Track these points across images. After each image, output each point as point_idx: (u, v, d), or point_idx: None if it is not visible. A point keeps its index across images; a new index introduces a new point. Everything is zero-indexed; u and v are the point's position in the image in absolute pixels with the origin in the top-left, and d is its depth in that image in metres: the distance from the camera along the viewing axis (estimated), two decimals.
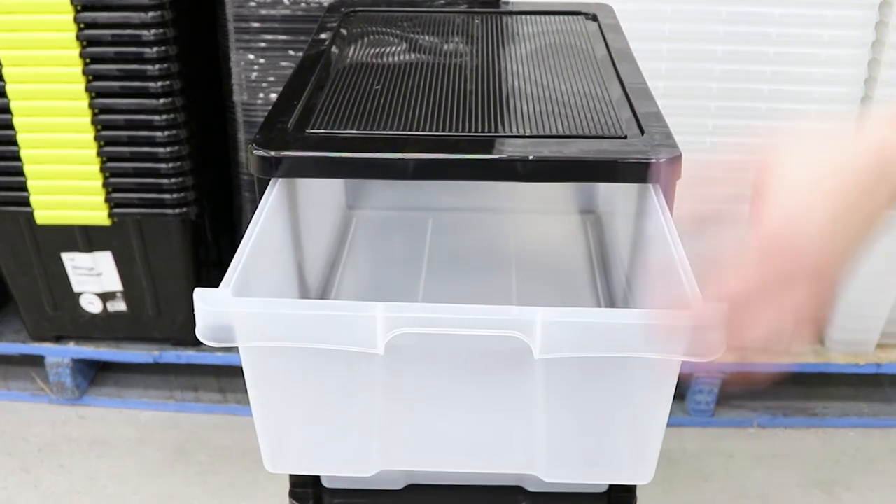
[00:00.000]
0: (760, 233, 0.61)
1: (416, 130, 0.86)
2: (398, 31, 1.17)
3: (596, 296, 1.09)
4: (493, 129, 0.87)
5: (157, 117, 1.57)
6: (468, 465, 0.87)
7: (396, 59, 1.07)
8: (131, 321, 1.82)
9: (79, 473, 1.70)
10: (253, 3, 1.58)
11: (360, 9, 1.27)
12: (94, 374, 1.93)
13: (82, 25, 1.51)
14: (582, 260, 1.19)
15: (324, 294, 1.09)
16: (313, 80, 0.99)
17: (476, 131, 0.86)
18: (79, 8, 1.50)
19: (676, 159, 0.82)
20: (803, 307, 0.62)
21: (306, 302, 0.91)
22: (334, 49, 1.10)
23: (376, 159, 0.82)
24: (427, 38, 1.15)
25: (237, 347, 0.71)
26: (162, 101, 1.56)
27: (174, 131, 1.59)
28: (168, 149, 1.60)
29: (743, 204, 0.68)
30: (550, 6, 1.29)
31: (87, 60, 1.54)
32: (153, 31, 1.51)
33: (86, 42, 1.52)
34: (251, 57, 1.61)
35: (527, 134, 0.86)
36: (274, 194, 0.84)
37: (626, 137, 0.85)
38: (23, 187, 1.64)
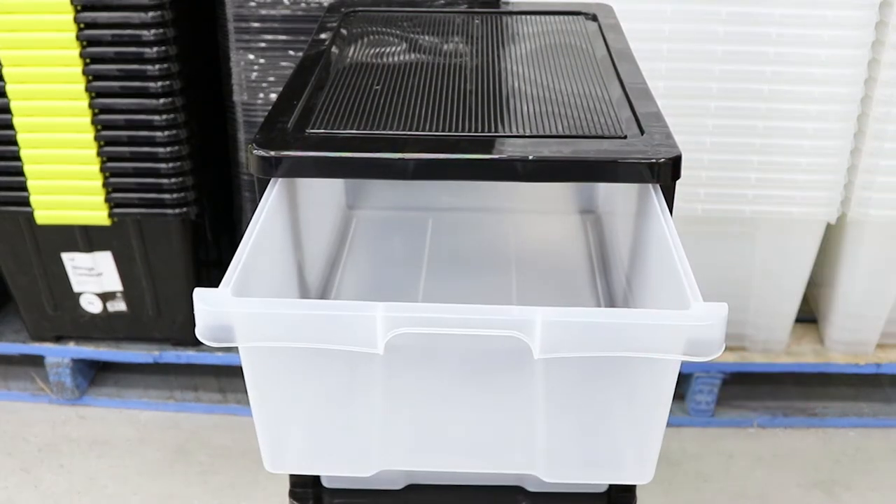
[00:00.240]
0: None
1: (416, 130, 0.86)
2: (398, 31, 1.17)
3: (596, 296, 1.09)
4: (493, 129, 0.87)
5: (157, 117, 1.57)
6: (468, 465, 0.87)
7: (396, 59, 1.07)
8: (131, 321, 1.82)
9: (79, 473, 1.70)
10: (253, 3, 1.58)
11: (360, 9, 1.27)
12: (94, 374, 1.93)
13: (82, 25, 1.51)
14: (582, 260, 1.19)
15: (324, 294, 1.09)
16: (313, 80, 0.99)
17: (476, 131, 0.86)
18: (79, 8, 1.50)
19: (676, 159, 0.82)
20: None
21: (306, 302, 0.91)
22: (334, 49, 1.10)
23: (376, 159, 0.82)
24: (427, 38, 1.15)
25: (237, 347, 0.71)
26: (162, 101, 1.56)
27: (174, 131, 1.59)
28: (168, 149, 1.60)
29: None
30: (550, 6, 1.29)
31: (87, 60, 1.54)
32: (153, 31, 1.51)
33: (86, 42, 1.52)
34: (251, 57, 1.61)
35: (527, 134, 0.86)
36: (274, 194, 0.84)
37: (626, 137, 0.85)
38: (23, 187, 1.64)
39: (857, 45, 1.49)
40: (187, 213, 1.66)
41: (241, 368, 0.75)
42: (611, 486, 0.97)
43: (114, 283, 1.76)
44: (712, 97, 1.54)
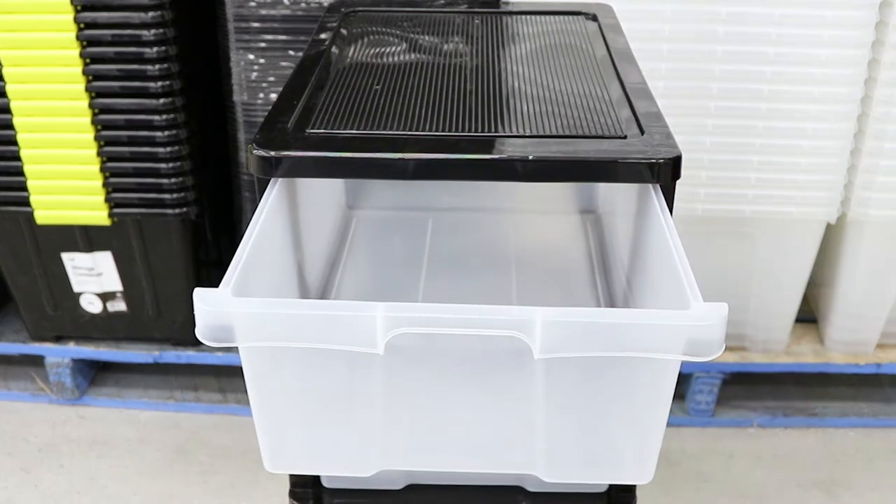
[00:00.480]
0: None
1: (416, 130, 0.86)
2: (398, 31, 1.17)
3: (596, 296, 1.09)
4: (493, 129, 0.87)
5: (157, 117, 1.57)
6: (468, 465, 0.87)
7: (396, 59, 1.07)
8: (131, 321, 1.82)
9: (79, 473, 1.70)
10: (253, 3, 1.58)
11: (360, 9, 1.27)
12: (94, 374, 1.93)
13: (82, 25, 1.51)
14: (582, 260, 1.19)
15: (324, 294, 1.09)
16: (313, 80, 0.99)
17: (476, 131, 0.86)
18: (79, 8, 1.50)
19: (676, 159, 0.82)
20: None
21: (306, 302, 0.91)
22: (334, 49, 1.10)
23: (376, 159, 0.82)
24: (427, 38, 1.15)
25: (237, 347, 0.71)
26: (162, 101, 1.56)
27: (174, 131, 1.59)
28: (168, 149, 1.60)
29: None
30: (550, 6, 1.29)
31: (87, 60, 1.54)
32: (153, 31, 1.51)
33: (86, 42, 1.52)
34: (251, 57, 1.61)
35: (527, 134, 0.86)
36: (274, 194, 0.84)
37: (626, 137, 0.85)
38: (23, 187, 1.64)
39: (857, 45, 1.49)
40: (187, 213, 1.66)
41: (241, 368, 0.75)
42: (611, 486, 0.97)
43: (114, 283, 1.76)
44: (712, 97, 1.54)
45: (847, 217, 1.64)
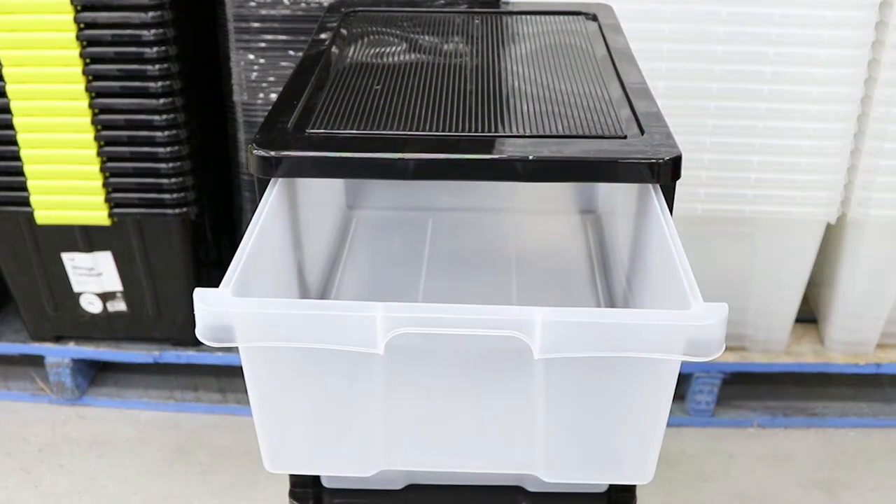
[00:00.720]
0: None
1: (416, 130, 0.86)
2: (398, 31, 1.17)
3: (596, 296, 1.09)
4: (493, 129, 0.87)
5: (157, 117, 1.57)
6: (468, 465, 0.87)
7: (396, 59, 1.07)
8: (131, 321, 1.82)
9: (79, 473, 1.70)
10: (253, 3, 1.58)
11: (360, 9, 1.27)
12: (94, 374, 1.93)
13: (82, 25, 1.51)
14: (582, 260, 1.19)
15: (324, 294, 1.09)
16: (313, 80, 0.99)
17: (476, 131, 0.86)
18: (79, 8, 1.50)
19: (676, 159, 0.82)
20: None
21: (306, 302, 0.91)
22: (334, 49, 1.10)
23: (376, 159, 0.82)
24: (427, 38, 1.15)
25: (237, 347, 0.71)
26: (162, 101, 1.56)
27: (174, 131, 1.59)
28: (168, 149, 1.59)
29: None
30: (550, 6, 1.29)
31: (87, 60, 1.54)
32: (153, 31, 1.51)
33: (86, 42, 1.52)
34: (251, 57, 1.61)
35: (527, 134, 0.86)
36: (274, 194, 0.84)
37: (626, 137, 0.85)
38: (23, 187, 1.64)
39: (857, 45, 1.49)
40: (187, 213, 1.66)
41: (241, 368, 0.75)
42: (611, 486, 0.97)
43: (114, 283, 1.76)
44: (712, 97, 1.54)
45: (847, 217, 1.64)
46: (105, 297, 1.79)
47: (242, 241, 0.76)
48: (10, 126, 1.59)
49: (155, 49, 1.52)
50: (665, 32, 1.50)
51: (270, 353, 0.74)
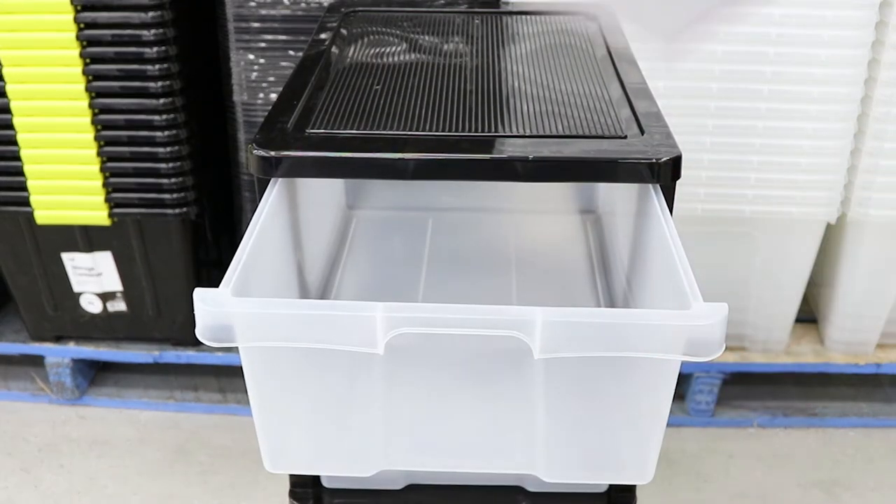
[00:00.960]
0: None
1: (416, 130, 0.86)
2: (398, 31, 1.17)
3: (596, 296, 1.09)
4: (493, 129, 0.87)
5: (157, 117, 1.57)
6: (468, 465, 0.87)
7: (396, 59, 1.07)
8: (131, 321, 1.82)
9: (79, 473, 1.71)
10: (253, 3, 1.58)
11: (360, 9, 1.27)
12: (94, 374, 1.93)
13: (82, 25, 1.51)
14: (582, 260, 1.19)
15: (324, 294, 1.09)
16: (313, 80, 0.99)
17: (476, 131, 0.86)
18: (79, 8, 1.50)
19: (676, 159, 0.82)
20: None
21: (306, 302, 0.91)
22: (334, 49, 1.10)
23: (376, 159, 0.82)
24: (427, 38, 1.15)
25: (237, 347, 0.71)
26: (162, 101, 1.56)
27: (174, 131, 1.59)
28: (168, 149, 1.59)
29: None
30: (550, 6, 1.29)
31: (87, 60, 1.54)
32: (153, 31, 1.51)
33: (86, 42, 1.52)
34: (251, 57, 1.61)
35: (527, 134, 0.86)
36: (274, 194, 0.84)
37: (626, 137, 0.85)
38: (23, 187, 1.64)
39: (857, 45, 1.49)
40: (187, 213, 1.66)
41: (241, 368, 0.75)
42: (611, 486, 0.97)
43: (114, 283, 1.76)
44: (712, 97, 1.54)
45: (847, 217, 1.64)
46: (105, 297, 1.79)
47: (242, 241, 0.76)
48: (10, 126, 1.58)
49: (155, 49, 1.52)
50: None
51: (270, 353, 0.74)
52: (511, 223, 1.27)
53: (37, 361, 1.88)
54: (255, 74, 1.62)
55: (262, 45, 1.60)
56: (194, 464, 1.73)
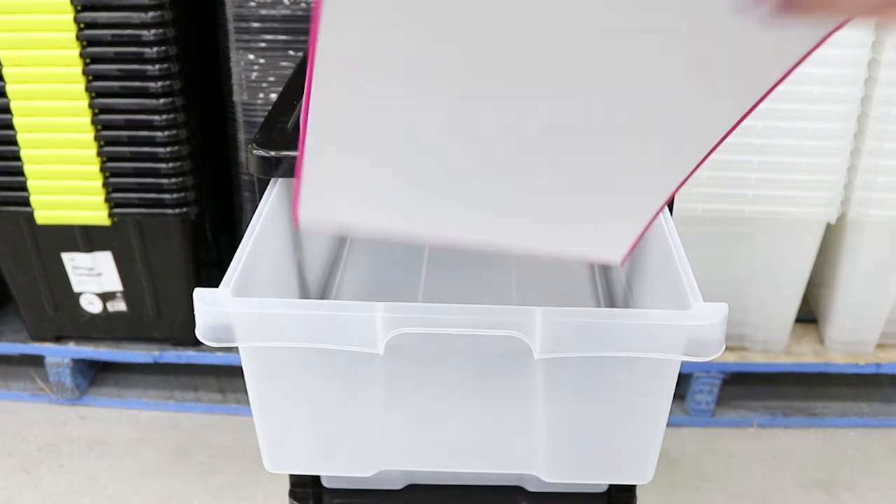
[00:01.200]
0: None
1: None
2: None
3: (596, 296, 1.09)
4: None
5: (157, 117, 1.57)
6: (468, 465, 0.87)
7: None
8: (131, 321, 1.82)
9: (79, 473, 1.71)
10: (253, 3, 1.58)
11: None
12: (94, 374, 1.93)
13: (82, 25, 1.51)
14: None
15: (324, 294, 1.09)
16: None
17: None
18: (79, 8, 1.50)
19: None
20: None
21: (306, 302, 0.91)
22: None
23: None
24: None
25: (237, 347, 0.71)
26: (162, 101, 1.56)
27: (174, 131, 1.59)
28: (168, 149, 1.60)
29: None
30: None
31: (87, 60, 1.54)
32: (153, 31, 1.51)
33: (86, 42, 1.52)
34: (251, 57, 1.61)
35: None
36: (274, 194, 0.84)
37: None
38: (23, 187, 1.64)
39: (856, 45, 1.49)
40: (187, 213, 1.66)
41: (241, 368, 0.75)
42: (611, 486, 0.97)
43: (114, 283, 1.76)
44: None
45: (847, 217, 1.64)
46: (105, 297, 1.79)
47: (242, 241, 0.76)
48: (10, 126, 1.58)
49: (155, 49, 1.52)
50: None
51: (270, 353, 0.74)
52: None
53: (37, 361, 1.88)
54: (255, 74, 1.62)
55: (262, 45, 1.60)
56: (194, 464, 1.73)
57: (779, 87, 0.53)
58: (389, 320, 0.67)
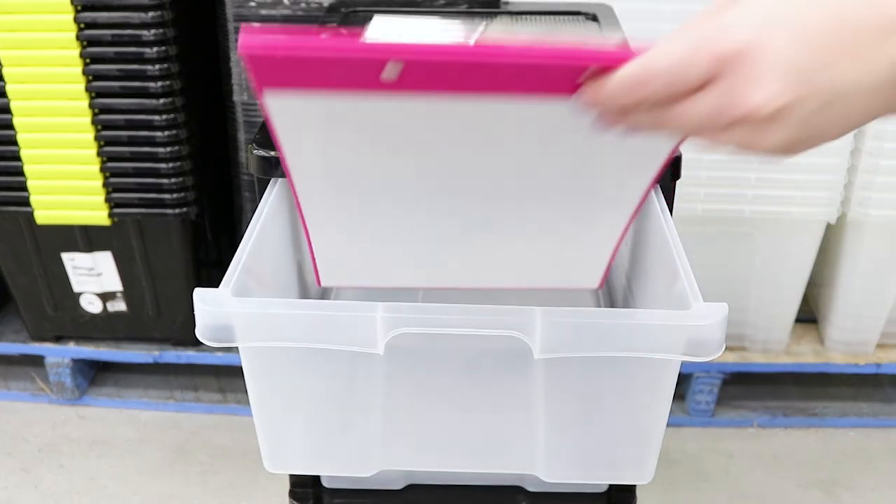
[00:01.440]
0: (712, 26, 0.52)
1: None
2: None
3: (596, 296, 1.09)
4: None
5: (157, 117, 1.57)
6: (468, 465, 0.87)
7: None
8: (131, 321, 1.82)
9: (79, 473, 1.71)
10: (253, 3, 1.58)
11: (361, 9, 1.27)
12: (94, 374, 1.93)
13: (82, 25, 1.51)
14: None
15: (324, 294, 1.09)
16: None
17: None
18: (79, 8, 1.50)
19: (676, 159, 0.82)
20: (719, 118, 0.51)
21: (306, 302, 0.91)
22: None
23: None
24: None
25: (237, 347, 0.71)
26: (162, 101, 1.56)
27: (174, 131, 1.59)
28: (168, 149, 1.59)
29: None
30: (550, 6, 1.29)
31: (87, 60, 1.54)
32: (153, 31, 1.51)
33: (86, 42, 1.52)
34: None
35: None
36: (274, 194, 0.84)
37: None
38: (23, 187, 1.64)
39: None
40: (187, 213, 1.66)
41: (241, 368, 0.75)
42: (611, 486, 0.97)
43: (114, 283, 1.76)
44: None
45: (847, 217, 1.64)
46: (105, 297, 1.79)
47: (242, 241, 0.76)
48: (10, 126, 1.59)
49: (155, 49, 1.52)
50: (665, 32, 1.50)
51: (270, 353, 0.74)
52: None
53: (37, 361, 1.88)
54: None
55: None
56: (194, 464, 1.73)
57: None
58: (389, 320, 0.67)
